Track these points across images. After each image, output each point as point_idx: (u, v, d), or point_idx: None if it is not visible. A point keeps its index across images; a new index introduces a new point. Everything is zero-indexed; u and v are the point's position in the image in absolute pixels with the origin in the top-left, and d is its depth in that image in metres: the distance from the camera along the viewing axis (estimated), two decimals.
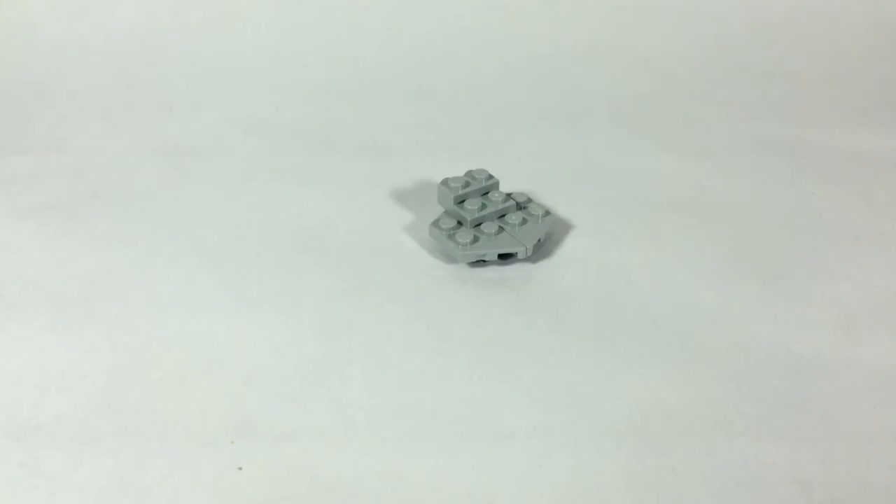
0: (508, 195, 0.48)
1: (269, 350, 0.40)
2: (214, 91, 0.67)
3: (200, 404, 0.36)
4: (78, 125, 0.62)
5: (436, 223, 0.46)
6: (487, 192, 0.48)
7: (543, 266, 0.46)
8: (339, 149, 0.59)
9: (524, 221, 0.46)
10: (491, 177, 0.48)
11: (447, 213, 0.47)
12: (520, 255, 0.45)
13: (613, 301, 0.43)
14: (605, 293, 0.44)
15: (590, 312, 0.42)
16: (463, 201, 0.47)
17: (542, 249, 0.47)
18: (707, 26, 0.73)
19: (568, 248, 0.47)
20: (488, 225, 0.45)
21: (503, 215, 0.47)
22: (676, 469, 0.34)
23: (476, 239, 0.45)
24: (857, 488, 0.33)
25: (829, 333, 0.41)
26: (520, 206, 0.47)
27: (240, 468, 0.34)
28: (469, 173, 0.48)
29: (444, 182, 0.47)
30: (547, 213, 0.46)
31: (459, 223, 0.46)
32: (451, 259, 0.46)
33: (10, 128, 0.61)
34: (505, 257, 0.45)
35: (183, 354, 0.39)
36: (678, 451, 0.34)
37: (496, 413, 0.36)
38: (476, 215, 0.46)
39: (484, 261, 0.45)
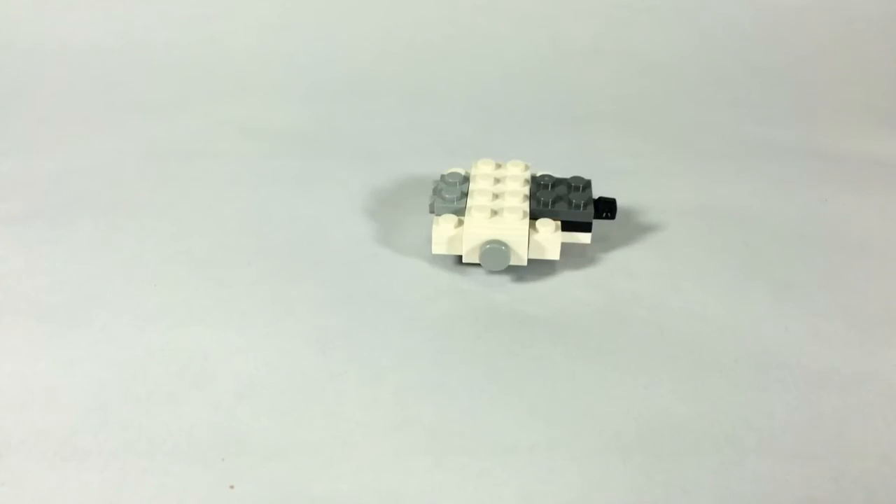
0: None
1: (261, 362, 0.40)
2: (202, 92, 0.67)
3: (189, 420, 0.37)
4: (59, 128, 0.62)
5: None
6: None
7: (546, 275, 0.46)
8: (333, 152, 0.59)
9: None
10: (465, 179, 0.48)
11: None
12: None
13: (618, 311, 0.43)
14: (610, 303, 0.44)
15: (594, 323, 0.43)
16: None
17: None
18: (715, 26, 0.74)
19: (571, 256, 0.47)
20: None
21: None
22: (685, 486, 0.34)
23: None
24: None
25: (842, 346, 0.41)
26: None
27: (231, 486, 0.34)
28: (443, 177, 0.48)
29: (442, 179, 0.47)
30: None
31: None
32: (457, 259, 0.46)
33: None
34: None
35: (171, 367, 0.39)
36: (687, 467, 0.35)
37: (497, 428, 0.37)
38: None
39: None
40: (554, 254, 0.45)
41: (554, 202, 0.45)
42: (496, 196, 0.46)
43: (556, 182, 0.47)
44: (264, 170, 0.57)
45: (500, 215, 0.45)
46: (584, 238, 0.46)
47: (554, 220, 0.45)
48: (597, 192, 0.54)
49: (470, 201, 0.46)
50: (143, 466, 0.35)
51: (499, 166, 0.49)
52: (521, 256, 0.44)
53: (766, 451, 0.35)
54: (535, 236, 0.44)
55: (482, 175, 0.47)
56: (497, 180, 0.47)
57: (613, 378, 0.39)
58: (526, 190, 0.46)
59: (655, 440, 0.36)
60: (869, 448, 0.36)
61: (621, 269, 0.47)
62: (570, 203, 0.45)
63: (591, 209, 0.45)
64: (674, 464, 0.35)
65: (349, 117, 0.64)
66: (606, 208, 0.47)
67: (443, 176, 0.48)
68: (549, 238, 0.44)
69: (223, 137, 0.61)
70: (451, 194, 0.46)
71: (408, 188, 0.54)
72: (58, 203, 0.52)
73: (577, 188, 0.47)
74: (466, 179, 0.48)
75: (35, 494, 0.33)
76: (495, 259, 0.44)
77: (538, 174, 0.48)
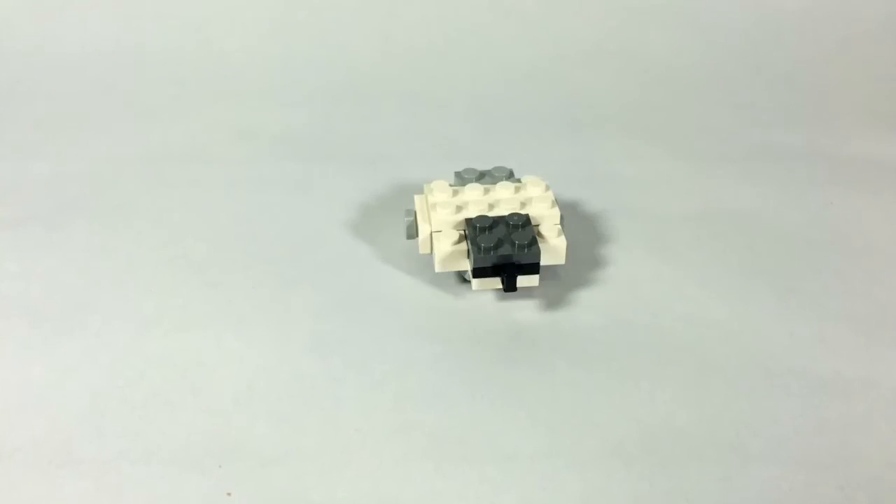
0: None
1: (259, 368, 0.40)
2: (198, 95, 0.67)
3: (186, 426, 0.37)
4: (54, 131, 0.62)
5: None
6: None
7: (547, 280, 0.46)
8: (331, 156, 0.59)
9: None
10: (482, 175, 0.48)
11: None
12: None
13: (621, 317, 0.43)
14: (612, 308, 0.44)
15: (596, 328, 0.43)
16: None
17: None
18: (718, 28, 0.74)
19: (573, 261, 0.47)
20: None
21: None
22: (688, 494, 0.34)
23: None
24: None
25: (847, 352, 0.41)
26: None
27: (229, 494, 0.34)
28: (458, 175, 0.48)
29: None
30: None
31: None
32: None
33: None
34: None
35: (167, 373, 0.40)
36: (690, 474, 0.35)
37: (498, 434, 0.37)
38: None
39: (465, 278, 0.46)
40: (436, 264, 0.44)
41: (487, 228, 0.43)
42: (486, 192, 0.46)
43: (521, 225, 0.43)
44: (261, 174, 0.57)
45: (440, 206, 0.45)
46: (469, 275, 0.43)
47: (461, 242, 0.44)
48: (602, 196, 0.54)
49: (464, 186, 0.47)
50: (140, 473, 0.35)
51: (545, 188, 0.46)
52: (422, 243, 0.45)
53: (770, 458, 0.36)
54: (424, 230, 0.45)
55: (505, 186, 0.46)
56: (516, 190, 0.46)
57: (615, 384, 0.39)
58: (495, 209, 0.45)
59: (658, 447, 0.36)
60: (874, 455, 0.36)
61: (624, 273, 0.47)
62: (478, 247, 0.42)
63: (480, 258, 0.42)
64: (677, 471, 0.35)
65: (348, 121, 0.64)
66: (508, 271, 0.42)
67: (499, 167, 0.49)
68: (429, 242, 0.44)
69: (220, 141, 0.61)
70: (470, 175, 0.48)
71: (407, 193, 0.54)
72: (52, 207, 0.52)
73: (515, 226, 0.43)
74: (510, 176, 0.48)
75: (30, 502, 0.34)
76: (408, 225, 0.46)
77: (533, 213, 0.45)
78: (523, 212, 0.45)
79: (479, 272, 0.42)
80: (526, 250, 0.42)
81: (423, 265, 0.47)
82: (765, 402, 0.38)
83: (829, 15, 0.74)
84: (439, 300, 0.45)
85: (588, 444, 0.36)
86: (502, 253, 0.42)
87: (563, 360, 0.41)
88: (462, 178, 0.48)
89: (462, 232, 0.44)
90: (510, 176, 0.48)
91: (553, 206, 0.45)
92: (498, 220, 0.44)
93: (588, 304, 0.44)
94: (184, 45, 0.72)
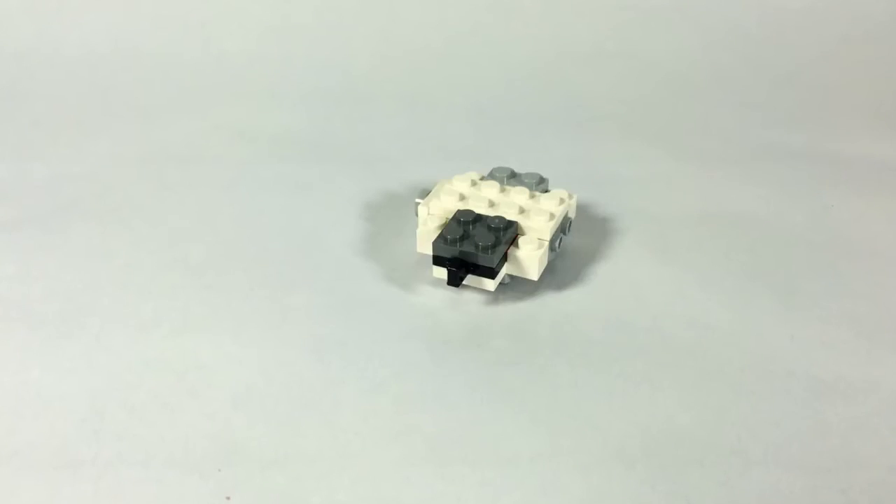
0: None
1: (258, 371, 0.40)
2: (197, 96, 0.67)
3: (185, 429, 0.37)
4: (52, 132, 0.62)
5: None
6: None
7: (547, 282, 0.46)
8: (330, 157, 0.59)
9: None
10: (513, 175, 0.49)
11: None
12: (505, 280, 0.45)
13: (621, 319, 0.43)
14: (613, 310, 0.44)
15: (597, 331, 0.43)
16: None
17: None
18: (719, 28, 0.74)
19: (573, 263, 0.47)
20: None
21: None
22: (689, 497, 0.34)
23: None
24: None
25: (849, 354, 0.41)
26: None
27: (228, 498, 0.34)
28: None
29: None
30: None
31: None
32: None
33: None
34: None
35: (166, 376, 0.40)
36: (691, 478, 0.35)
37: (499, 437, 0.37)
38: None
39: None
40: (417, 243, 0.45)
41: (469, 226, 0.44)
42: (500, 192, 0.47)
43: (503, 228, 0.43)
44: (260, 175, 0.57)
45: (444, 194, 0.46)
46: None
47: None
48: (603, 197, 0.54)
49: (481, 181, 0.48)
50: (138, 476, 0.35)
51: (559, 201, 0.46)
52: (419, 239, 0.46)
53: (771, 462, 0.36)
54: (419, 228, 0.46)
55: (521, 191, 0.46)
56: (529, 197, 0.46)
57: (617, 387, 0.39)
58: (492, 209, 0.45)
59: (659, 450, 0.36)
60: (876, 458, 0.36)
61: (625, 275, 0.47)
62: (444, 237, 0.43)
63: (439, 247, 0.43)
64: (678, 474, 0.35)
65: (347, 121, 0.64)
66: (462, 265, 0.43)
67: (530, 173, 0.49)
68: (424, 238, 0.45)
69: (219, 142, 0.61)
70: (502, 174, 0.48)
71: (406, 194, 0.54)
72: (51, 209, 0.52)
73: (496, 228, 0.43)
74: (539, 182, 0.48)
75: None
76: (418, 205, 0.47)
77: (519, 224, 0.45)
78: (519, 219, 0.44)
79: (438, 260, 0.43)
80: (488, 252, 0.42)
81: (422, 267, 0.47)
82: (766, 405, 0.38)
83: (829, 15, 0.74)
84: (439, 303, 0.44)
85: (589, 447, 0.36)
86: (462, 248, 0.43)
87: (564, 362, 0.41)
88: (493, 176, 0.48)
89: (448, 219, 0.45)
90: (539, 182, 0.48)
91: (549, 221, 0.44)
92: (481, 218, 0.44)
93: (588, 305, 0.44)
94: (184, 45, 0.72)
